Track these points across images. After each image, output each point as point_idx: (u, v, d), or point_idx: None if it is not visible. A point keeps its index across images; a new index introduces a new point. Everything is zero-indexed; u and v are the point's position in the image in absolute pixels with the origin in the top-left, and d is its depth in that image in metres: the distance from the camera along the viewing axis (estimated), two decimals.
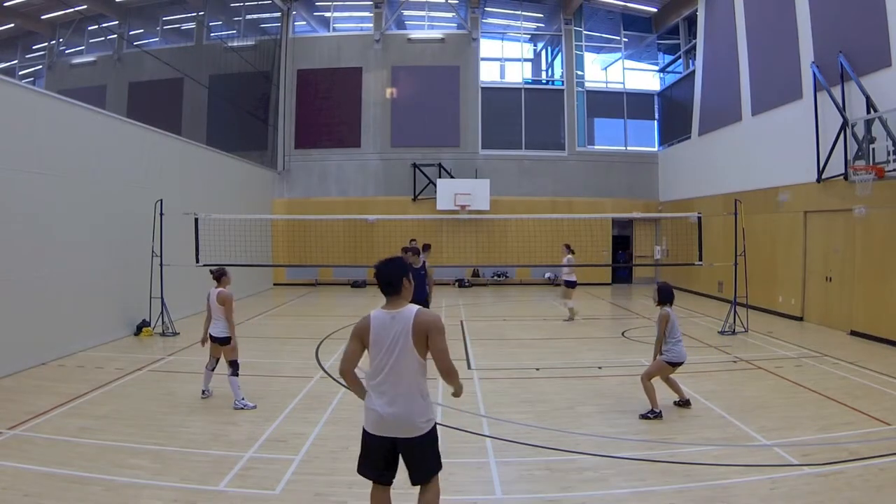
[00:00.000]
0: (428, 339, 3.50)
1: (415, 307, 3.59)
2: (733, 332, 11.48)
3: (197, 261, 12.14)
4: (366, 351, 3.60)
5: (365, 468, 3.59)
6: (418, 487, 3.64)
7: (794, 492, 4.67)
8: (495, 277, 21.36)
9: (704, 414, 6.67)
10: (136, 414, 6.54)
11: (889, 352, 9.91)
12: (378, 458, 3.54)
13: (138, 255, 11.17)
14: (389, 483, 3.62)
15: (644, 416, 6.46)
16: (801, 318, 13.21)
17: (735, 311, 11.68)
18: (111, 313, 10.77)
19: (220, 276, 7.16)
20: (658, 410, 6.48)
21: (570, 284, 13.44)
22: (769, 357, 9.52)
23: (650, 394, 6.54)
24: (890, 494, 4.61)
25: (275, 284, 20.44)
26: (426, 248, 10.36)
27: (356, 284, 20.62)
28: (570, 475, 5.05)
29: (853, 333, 11.31)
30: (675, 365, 6.64)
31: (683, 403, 6.80)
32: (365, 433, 3.57)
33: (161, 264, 11.24)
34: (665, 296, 6.77)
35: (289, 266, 18.77)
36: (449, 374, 3.58)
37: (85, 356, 9.32)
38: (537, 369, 8.78)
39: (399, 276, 3.62)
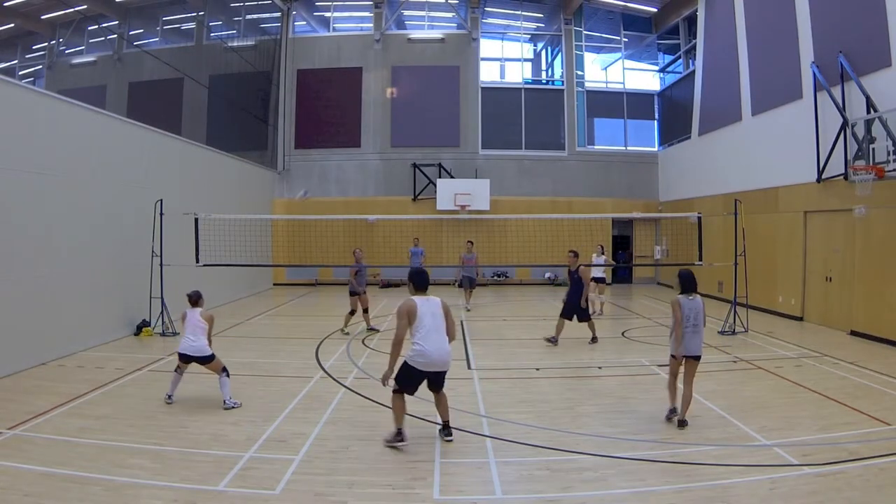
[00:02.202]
0: (447, 313, 5.73)
1: (437, 297, 5.78)
2: (733, 332, 11.48)
3: (197, 261, 12.13)
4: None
5: (408, 388, 5.67)
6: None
7: (794, 492, 4.67)
8: (495, 277, 21.36)
9: (704, 414, 6.66)
10: (136, 414, 6.54)
11: (889, 352, 9.91)
12: (418, 383, 5.67)
13: (138, 255, 11.17)
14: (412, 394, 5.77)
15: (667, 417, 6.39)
16: (801, 318, 13.21)
17: (735, 311, 11.68)
18: (111, 313, 10.77)
19: (199, 297, 7.37)
20: (674, 406, 6.35)
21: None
22: (769, 357, 9.52)
23: (670, 390, 6.41)
24: (890, 494, 4.61)
25: (275, 284, 20.44)
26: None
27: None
28: (570, 475, 5.05)
29: (853, 333, 11.31)
30: (677, 359, 6.29)
31: (671, 412, 6.38)
32: (413, 369, 5.55)
33: (161, 264, 11.23)
34: (683, 284, 6.47)
35: (289, 266, 18.76)
36: (454, 335, 5.83)
37: (85, 356, 9.32)
38: (537, 369, 8.77)
39: (428, 281, 5.94)
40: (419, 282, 5.82)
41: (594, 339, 10.80)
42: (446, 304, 5.76)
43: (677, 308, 6.29)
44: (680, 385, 6.39)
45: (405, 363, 5.59)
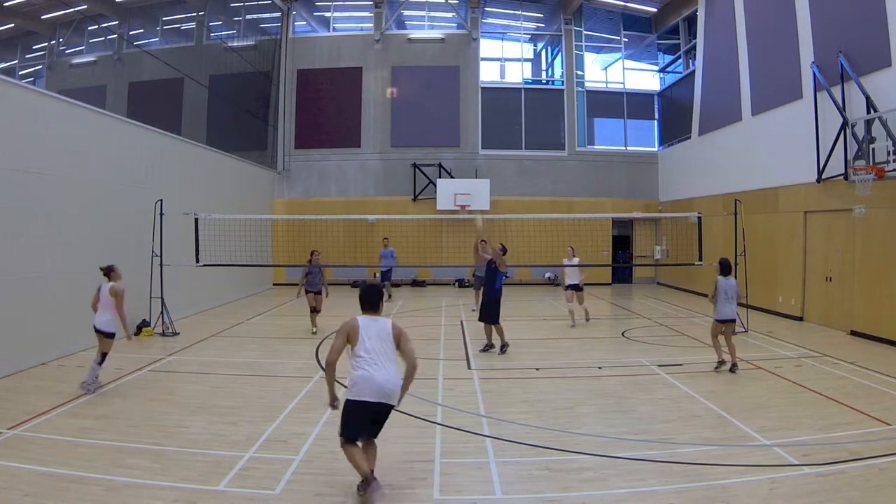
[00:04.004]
0: (399, 337, 4.76)
1: (388, 319, 4.85)
2: (733, 332, 11.44)
3: (197, 261, 12.13)
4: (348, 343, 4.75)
5: (352, 433, 4.64)
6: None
7: (794, 492, 4.67)
8: None
9: (704, 414, 6.67)
10: (136, 414, 6.54)
11: (889, 352, 9.91)
12: (362, 422, 4.65)
13: (138, 255, 11.16)
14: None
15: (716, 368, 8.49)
16: (801, 318, 13.21)
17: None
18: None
19: (109, 271, 7.69)
20: (721, 360, 8.50)
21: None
22: (769, 357, 9.52)
23: (715, 348, 8.62)
24: (890, 494, 4.61)
25: (274, 284, 20.43)
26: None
27: (356, 284, 20.58)
28: (570, 475, 5.05)
29: (853, 333, 11.31)
30: (721, 322, 8.57)
31: (731, 368, 8.37)
32: (351, 403, 4.61)
33: (161, 264, 11.24)
34: (722, 268, 8.73)
35: (289, 266, 18.75)
36: (415, 367, 4.78)
37: (85, 356, 9.28)
38: (537, 369, 8.77)
39: (380, 298, 4.94)
40: (367, 300, 4.87)
41: (486, 348, 9.92)
42: (399, 328, 4.79)
43: (714, 285, 8.64)
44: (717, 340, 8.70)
45: (346, 401, 4.68)
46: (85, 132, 10.23)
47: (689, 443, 5.79)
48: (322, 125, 21.98)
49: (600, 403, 7.13)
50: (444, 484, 4.88)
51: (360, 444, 4.70)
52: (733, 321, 8.69)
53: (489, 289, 9.98)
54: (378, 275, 17.14)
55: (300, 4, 22.44)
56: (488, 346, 10.04)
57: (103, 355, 7.40)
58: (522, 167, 22.16)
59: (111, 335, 7.45)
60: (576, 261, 12.82)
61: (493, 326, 9.92)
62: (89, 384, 7.21)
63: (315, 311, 11.91)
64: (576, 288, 12.73)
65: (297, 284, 12.66)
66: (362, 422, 4.65)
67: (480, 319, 10.15)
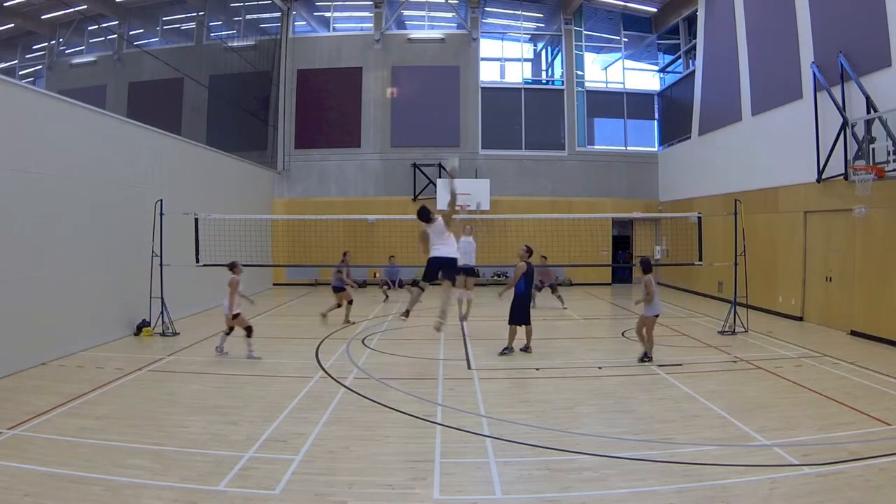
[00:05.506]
0: (447, 222, 8.16)
1: (439, 217, 8.22)
2: (733, 332, 11.47)
3: (197, 261, 12.13)
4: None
5: (427, 278, 8.20)
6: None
7: (794, 492, 4.67)
8: (495, 277, 21.34)
9: (704, 414, 6.67)
10: (136, 414, 6.54)
11: (889, 352, 9.91)
12: (436, 270, 8.17)
13: (138, 255, 11.16)
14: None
15: (641, 360, 8.98)
16: (801, 318, 13.21)
17: (735, 311, 11.68)
18: (111, 313, 10.77)
19: (232, 266, 9.51)
20: (650, 354, 8.99)
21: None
22: (769, 357, 9.52)
23: (650, 342, 9.03)
24: (890, 494, 4.62)
25: (274, 284, 20.43)
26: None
27: (356, 284, 20.58)
28: (570, 475, 5.05)
29: (853, 333, 11.31)
30: (656, 317, 9.05)
31: (648, 356, 9.00)
32: (434, 259, 8.08)
33: (161, 264, 11.23)
34: (646, 267, 9.07)
35: (289, 266, 18.76)
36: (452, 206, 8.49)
37: (85, 356, 9.32)
38: (537, 369, 8.78)
39: (429, 214, 8.20)
40: (421, 216, 8.25)
41: (524, 348, 9.86)
42: (442, 219, 8.18)
43: (651, 284, 8.90)
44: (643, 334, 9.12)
45: (428, 258, 8.22)
46: (85, 132, 10.23)
47: (689, 443, 5.80)
48: (322, 125, 21.97)
49: (600, 403, 7.13)
50: (444, 484, 4.88)
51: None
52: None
53: (515, 291, 9.93)
54: (383, 276, 17.47)
55: (300, 4, 22.43)
56: (526, 347, 9.91)
57: (230, 329, 9.41)
58: (522, 167, 22.16)
59: (233, 317, 9.24)
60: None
61: (521, 327, 9.83)
62: (220, 349, 9.36)
63: (340, 306, 12.92)
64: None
65: (305, 285, 13.05)
66: (435, 271, 8.06)
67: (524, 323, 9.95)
